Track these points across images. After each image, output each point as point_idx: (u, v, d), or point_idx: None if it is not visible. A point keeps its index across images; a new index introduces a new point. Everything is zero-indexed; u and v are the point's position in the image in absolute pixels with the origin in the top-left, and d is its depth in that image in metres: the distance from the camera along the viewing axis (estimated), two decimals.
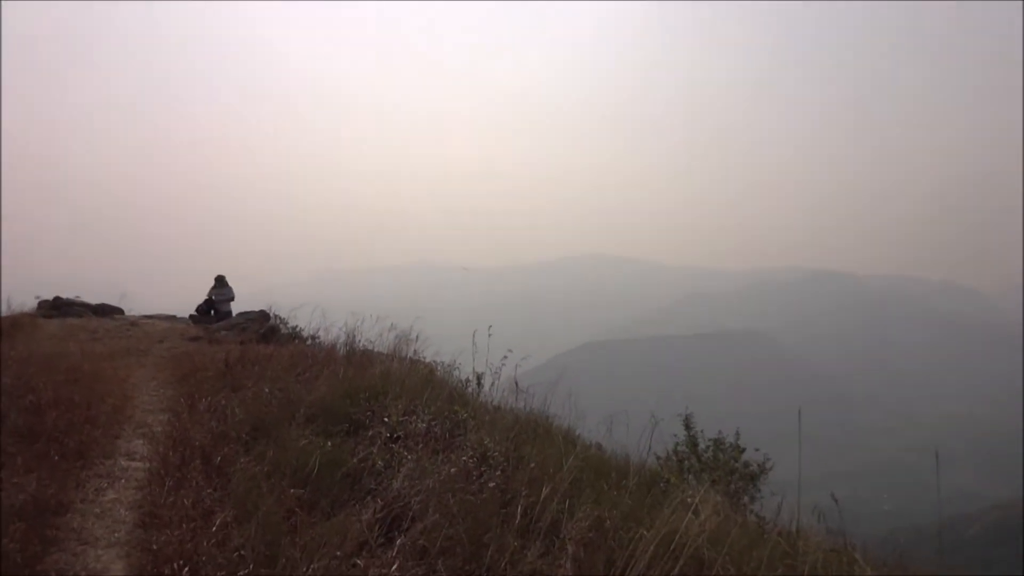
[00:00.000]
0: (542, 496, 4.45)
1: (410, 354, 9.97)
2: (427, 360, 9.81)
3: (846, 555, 4.76)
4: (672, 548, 3.70)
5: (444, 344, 10.69)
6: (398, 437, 5.45)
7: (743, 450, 11.26)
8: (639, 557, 3.61)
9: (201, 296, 18.95)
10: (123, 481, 5.53)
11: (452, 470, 4.82)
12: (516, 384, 7.66)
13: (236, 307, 18.61)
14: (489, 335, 8.16)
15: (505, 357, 7.86)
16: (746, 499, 10.32)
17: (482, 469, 4.99)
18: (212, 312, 18.49)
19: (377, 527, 4.05)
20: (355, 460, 5.18)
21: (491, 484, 4.72)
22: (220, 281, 19.11)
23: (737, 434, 11.37)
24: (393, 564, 3.56)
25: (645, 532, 3.77)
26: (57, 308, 17.98)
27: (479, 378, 8.90)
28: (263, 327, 15.25)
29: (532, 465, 5.16)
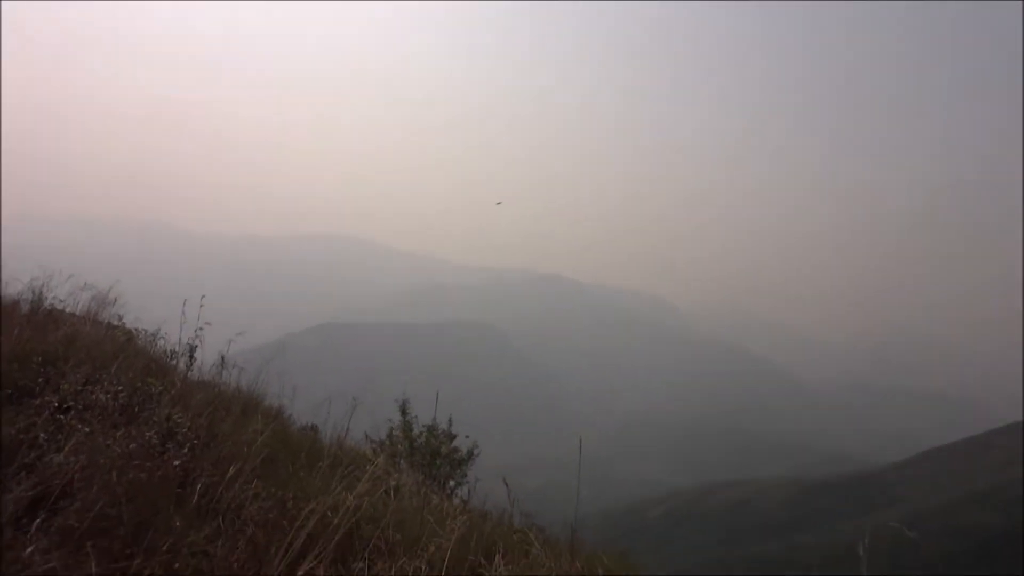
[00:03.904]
0: (227, 476, 4.25)
1: (108, 319, 8.96)
2: (127, 327, 8.85)
3: (523, 535, 5.16)
4: (333, 524, 3.78)
5: (155, 311, 9.78)
6: (69, 407, 4.86)
7: (455, 436, 11.85)
8: (299, 533, 3.63)
9: None
10: None
11: (132, 446, 4.41)
12: (223, 358, 7.25)
13: None
14: (201, 305, 7.60)
15: (200, 329, 7.37)
16: (452, 483, 10.89)
17: (167, 446, 4.64)
18: None
19: (25, 505, 3.57)
20: (14, 430, 4.54)
21: (176, 463, 4.40)
22: None
23: (450, 421, 11.91)
24: (28, 547, 3.16)
25: (315, 508, 3.79)
26: None
27: (191, 351, 8.26)
28: None
29: (227, 444, 4.91)
